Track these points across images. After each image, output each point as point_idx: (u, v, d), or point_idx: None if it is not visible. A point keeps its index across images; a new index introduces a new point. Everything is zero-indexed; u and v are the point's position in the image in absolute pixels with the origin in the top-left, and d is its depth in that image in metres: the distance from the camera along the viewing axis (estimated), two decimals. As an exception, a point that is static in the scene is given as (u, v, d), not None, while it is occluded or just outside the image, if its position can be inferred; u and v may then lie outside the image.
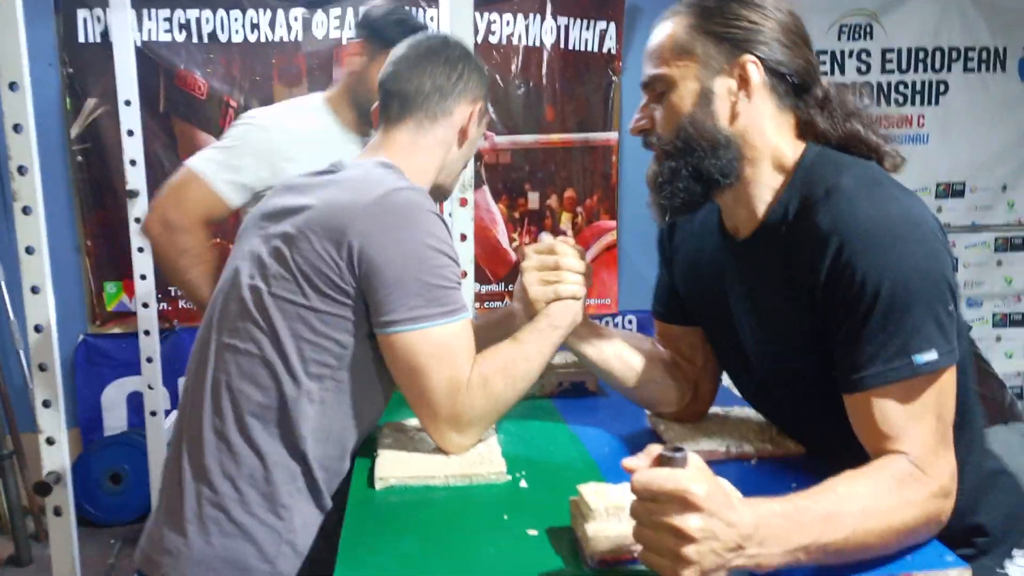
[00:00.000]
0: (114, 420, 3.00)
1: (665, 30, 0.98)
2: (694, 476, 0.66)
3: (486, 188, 3.06)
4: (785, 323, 0.95)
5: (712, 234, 1.07)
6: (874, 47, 3.27)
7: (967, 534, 0.97)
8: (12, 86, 1.61)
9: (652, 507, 0.67)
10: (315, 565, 1.02)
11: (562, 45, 3.03)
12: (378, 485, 0.98)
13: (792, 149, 0.95)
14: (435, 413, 1.02)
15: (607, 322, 3.07)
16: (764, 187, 0.96)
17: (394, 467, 1.00)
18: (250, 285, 1.05)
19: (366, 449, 1.09)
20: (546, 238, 1.14)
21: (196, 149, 2.86)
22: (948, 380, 0.84)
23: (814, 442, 1.05)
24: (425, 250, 1.01)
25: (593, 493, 0.81)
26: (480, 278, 3.04)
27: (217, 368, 1.05)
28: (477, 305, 2.98)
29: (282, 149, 1.68)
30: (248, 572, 1.00)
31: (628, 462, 0.72)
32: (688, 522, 0.65)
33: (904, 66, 3.29)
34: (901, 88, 3.30)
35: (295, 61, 2.87)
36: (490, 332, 1.22)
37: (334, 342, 1.02)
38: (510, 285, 3.05)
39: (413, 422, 1.15)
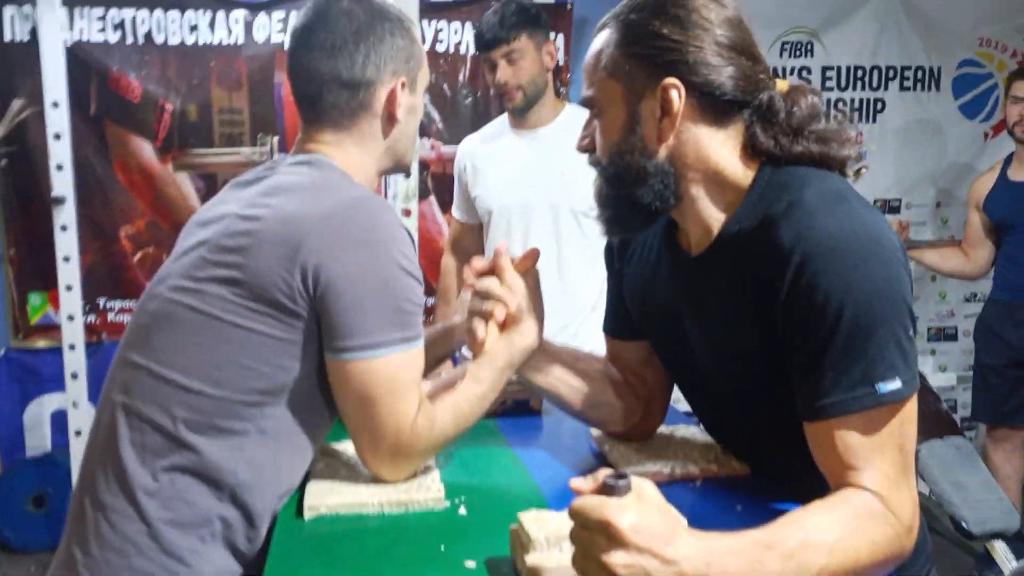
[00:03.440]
0: (37, 440, 2.84)
1: (595, 45, 0.94)
2: (623, 507, 0.63)
3: (432, 199, 3.01)
4: (739, 342, 0.92)
5: (664, 248, 1.03)
6: (815, 64, 3.33)
7: None
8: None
9: (584, 535, 0.65)
10: None
11: (510, 55, 3.01)
12: (307, 514, 0.92)
13: (742, 166, 0.91)
14: (376, 446, 0.95)
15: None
16: (715, 205, 0.93)
17: (325, 495, 0.95)
18: (180, 301, 0.93)
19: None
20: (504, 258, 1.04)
21: (129, 154, 2.80)
22: (911, 409, 0.81)
23: (764, 464, 1.03)
24: (392, 270, 0.91)
25: (533, 521, 0.78)
26: (426, 290, 2.98)
27: (128, 393, 0.93)
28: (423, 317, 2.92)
29: (467, 162, 2.08)
30: None
31: (575, 482, 0.69)
32: (612, 556, 0.62)
33: (843, 84, 3.36)
34: (840, 105, 3.36)
35: (235, 65, 2.78)
36: (428, 350, 1.17)
37: (277, 368, 0.91)
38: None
39: (346, 446, 1.10)
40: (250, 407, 0.92)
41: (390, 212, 0.96)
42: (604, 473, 0.66)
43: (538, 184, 1.95)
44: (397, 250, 0.92)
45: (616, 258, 1.14)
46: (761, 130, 0.91)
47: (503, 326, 1.03)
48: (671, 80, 0.88)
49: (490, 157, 2.05)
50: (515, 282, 1.02)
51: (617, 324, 1.16)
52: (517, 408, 1.33)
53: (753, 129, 0.91)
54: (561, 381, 1.10)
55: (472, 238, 2.17)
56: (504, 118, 2.08)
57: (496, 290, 1.01)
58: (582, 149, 0.99)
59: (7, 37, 2.62)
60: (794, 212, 0.84)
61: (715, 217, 0.93)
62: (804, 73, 3.32)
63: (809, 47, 3.31)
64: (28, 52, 2.52)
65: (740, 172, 0.91)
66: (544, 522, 0.77)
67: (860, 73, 3.36)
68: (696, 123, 0.90)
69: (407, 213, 2.18)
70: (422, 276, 0.97)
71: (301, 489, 0.98)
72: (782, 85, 0.93)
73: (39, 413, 2.85)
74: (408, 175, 1.78)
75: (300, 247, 0.89)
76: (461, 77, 2.97)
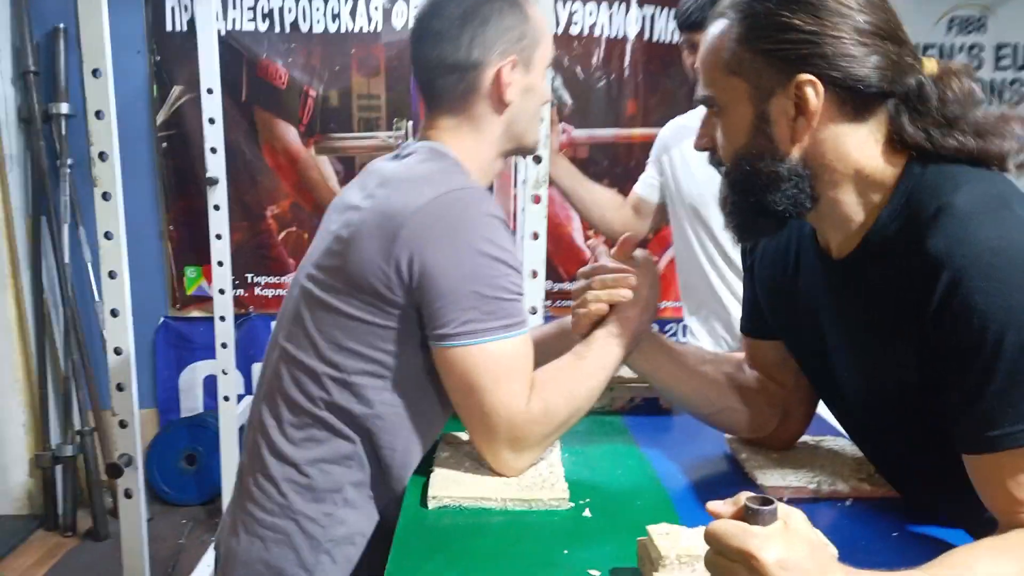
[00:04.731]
0: (190, 401, 3.07)
1: (712, 41, 0.85)
2: (769, 537, 0.58)
3: (562, 183, 2.97)
4: (883, 354, 0.83)
5: (804, 248, 0.95)
6: (987, 41, 3.02)
7: None
8: (95, 72, 1.62)
9: (722, 563, 0.60)
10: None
11: (646, 36, 2.91)
12: (431, 504, 0.92)
13: (887, 163, 0.81)
14: (492, 435, 0.94)
15: (674, 331, 2.94)
16: (856, 207, 0.83)
17: (448, 486, 0.94)
18: (308, 290, 1.00)
19: (422, 463, 1.04)
20: (600, 251, 1.05)
21: (275, 138, 2.94)
22: None
23: (913, 486, 0.94)
24: (481, 258, 0.92)
25: (664, 536, 0.73)
26: (553, 276, 2.96)
27: (273, 371, 1.03)
28: (548, 303, 2.90)
29: (662, 144, 1.96)
30: None
31: (713, 506, 0.64)
32: None
33: (1021, 62, 3.03)
34: (1017, 86, 3.04)
35: (374, 52, 2.85)
36: (548, 344, 1.15)
37: (381, 352, 0.96)
38: (584, 284, 2.95)
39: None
40: (364, 388, 0.97)
41: (485, 202, 0.95)
42: (746, 496, 0.61)
43: None
44: (488, 240, 0.93)
45: (747, 254, 1.07)
46: (909, 121, 0.80)
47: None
48: (806, 76, 0.78)
49: (690, 150, 1.92)
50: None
51: (752, 322, 1.09)
52: (647, 406, 1.27)
53: (900, 120, 0.81)
54: (684, 379, 1.05)
55: (641, 214, 2.03)
56: None
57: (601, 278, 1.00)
58: (700, 148, 0.91)
59: (168, 27, 2.80)
60: (943, 219, 0.74)
61: (856, 220, 0.84)
62: (975, 51, 3.02)
63: (981, 23, 3.00)
64: (186, 41, 2.69)
65: (885, 170, 0.81)
66: (676, 538, 0.72)
67: (1041, 50, 3.01)
68: (835, 120, 0.80)
69: (536, 199, 2.13)
70: (520, 264, 0.98)
71: (426, 477, 0.98)
72: (931, 66, 0.82)
73: (192, 378, 3.07)
74: (539, 160, 1.71)
75: (396, 239, 0.91)
76: (595, 60, 2.91)
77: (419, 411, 1.00)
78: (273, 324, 1.10)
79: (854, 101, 0.80)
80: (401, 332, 0.95)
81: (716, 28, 0.85)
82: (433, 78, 1.05)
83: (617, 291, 0.99)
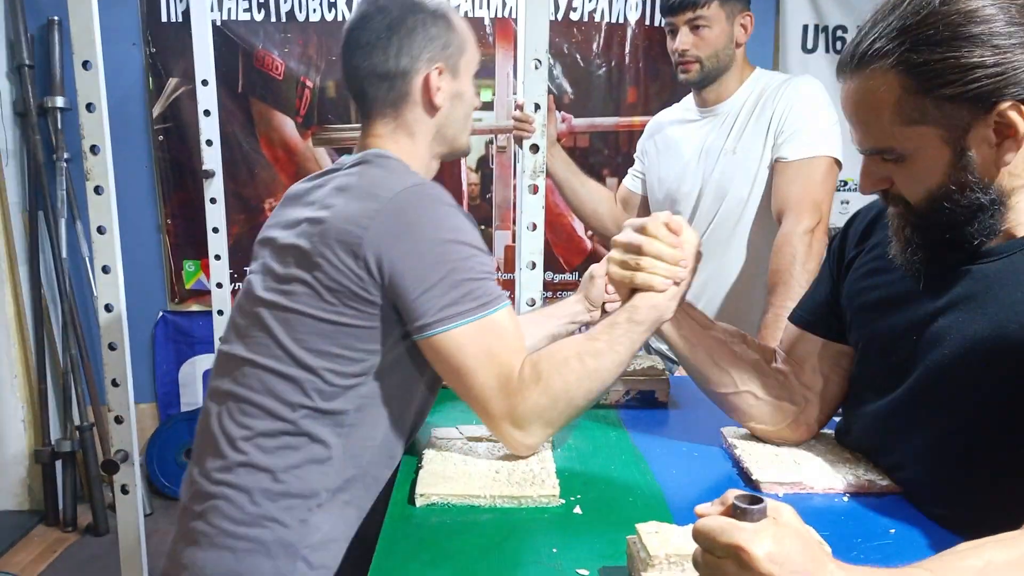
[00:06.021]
0: (190, 396, 3.06)
1: (873, 95, 0.79)
2: (759, 532, 0.55)
3: (562, 173, 2.94)
4: (1011, 349, 0.77)
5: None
6: None
7: None
8: (85, 65, 1.60)
9: (711, 560, 0.58)
10: None
11: (647, 21, 2.87)
12: (419, 502, 0.90)
13: None
14: (489, 412, 0.95)
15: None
16: None
17: (437, 483, 0.92)
18: (274, 302, 0.99)
19: (411, 462, 1.02)
20: (660, 216, 0.97)
21: (273, 130, 2.91)
22: None
23: (939, 492, 0.87)
24: (444, 245, 0.94)
25: (653, 535, 0.71)
26: (553, 266, 2.94)
27: (236, 382, 1.00)
28: (547, 295, 2.88)
29: (647, 136, 1.94)
30: None
31: (701, 508, 0.62)
32: None
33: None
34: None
35: (371, 40, 2.82)
36: (544, 322, 1.15)
37: (362, 352, 0.96)
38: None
39: (464, 430, 1.07)
40: (345, 390, 0.97)
41: (439, 193, 0.98)
42: (734, 494, 0.59)
43: (708, 169, 1.75)
44: (447, 227, 0.95)
45: (851, 246, 1.01)
46: None
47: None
48: (1007, 103, 0.74)
49: (667, 140, 1.88)
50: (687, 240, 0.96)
51: (812, 316, 1.05)
52: (643, 400, 1.25)
53: None
54: (709, 355, 1.03)
55: (628, 208, 2.01)
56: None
57: (657, 245, 0.95)
58: (870, 192, 0.86)
59: (163, 18, 2.77)
60: None
61: None
62: None
63: None
64: (181, 32, 2.66)
65: None
66: (666, 538, 0.70)
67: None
68: None
69: (534, 190, 2.11)
70: (483, 245, 0.98)
71: (415, 475, 0.96)
72: None
73: (192, 372, 3.06)
74: (536, 149, 1.69)
75: (361, 242, 0.93)
76: (595, 47, 2.87)
77: (399, 399, 1.00)
78: (217, 342, 1.08)
79: None
80: (383, 331, 0.96)
81: (870, 80, 0.80)
82: (365, 87, 1.09)
83: (676, 271, 0.96)
